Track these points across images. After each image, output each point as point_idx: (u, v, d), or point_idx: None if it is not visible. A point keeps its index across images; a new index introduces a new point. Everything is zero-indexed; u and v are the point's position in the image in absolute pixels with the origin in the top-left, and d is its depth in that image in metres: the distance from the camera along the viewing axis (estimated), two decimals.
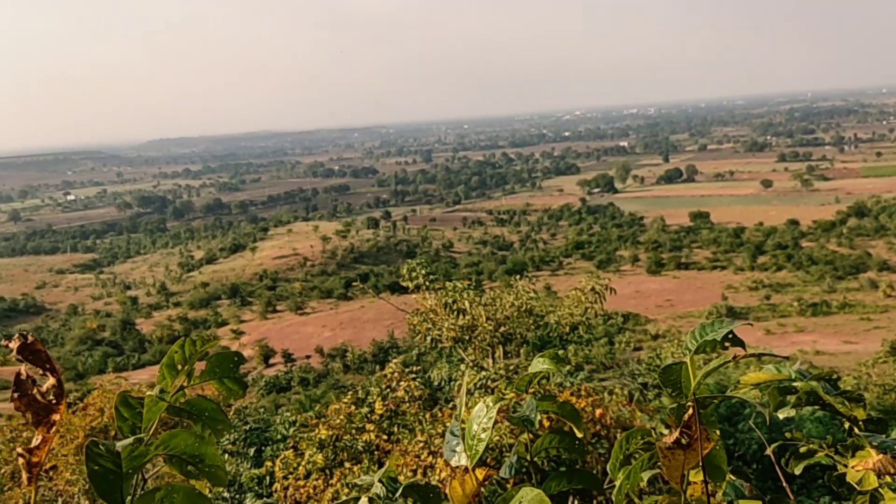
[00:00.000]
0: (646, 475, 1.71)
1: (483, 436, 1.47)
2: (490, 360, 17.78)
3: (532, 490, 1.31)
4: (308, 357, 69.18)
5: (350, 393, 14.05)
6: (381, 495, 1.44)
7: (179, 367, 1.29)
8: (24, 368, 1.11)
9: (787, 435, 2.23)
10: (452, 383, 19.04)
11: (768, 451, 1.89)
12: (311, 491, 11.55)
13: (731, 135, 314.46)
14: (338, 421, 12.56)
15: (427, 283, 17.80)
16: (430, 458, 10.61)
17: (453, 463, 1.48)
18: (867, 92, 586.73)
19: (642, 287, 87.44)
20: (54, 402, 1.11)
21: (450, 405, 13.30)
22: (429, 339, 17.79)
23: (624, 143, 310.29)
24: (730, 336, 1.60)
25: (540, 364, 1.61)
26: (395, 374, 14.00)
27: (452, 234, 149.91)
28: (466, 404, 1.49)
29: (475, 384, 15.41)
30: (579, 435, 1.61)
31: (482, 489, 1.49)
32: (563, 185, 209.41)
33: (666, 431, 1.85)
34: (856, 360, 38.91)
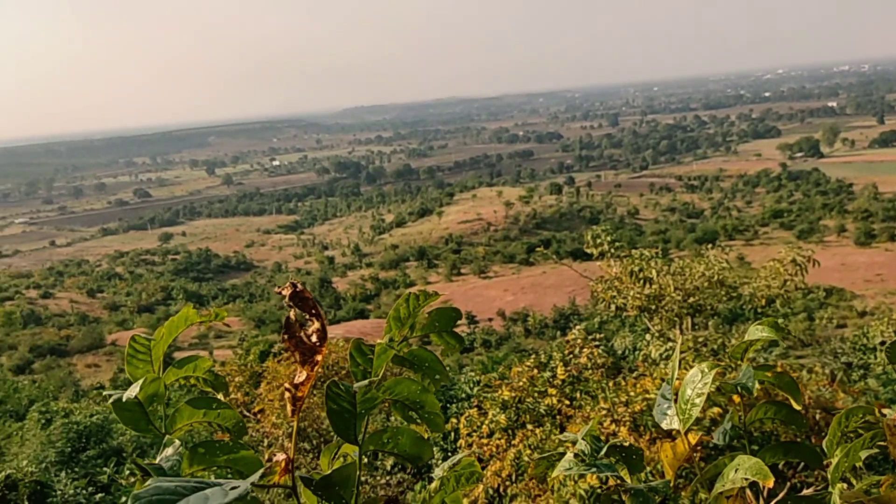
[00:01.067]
0: (864, 454, 1.62)
1: (697, 401, 1.46)
2: (677, 331, 17.24)
3: (749, 458, 1.28)
4: (490, 320, 70.42)
5: (532, 357, 14.19)
6: (586, 452, 1.47)
7: (404, 319, 1.39)
8: (292, 313, 1.24)
9: None
10: (637, 352, 18.67)
11: None
12: (494, 449, 11.86)
13: None
14: (520, 383, 12.74)
15: (612, 251, 17.50)
16: (612, 426, 10.53)
17: (664, 426, 1.48)
18: None
19: (849, 260, 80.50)
20: (318, 343, 1.23)
21: (634, 374, 13.07)
22: (613, 307, 17.52)
23: (832, 104, 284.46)
24: None
25: (758, 332, 1.56)
26: (578, 341, 13.94)
27: (638, 200, 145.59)
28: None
29: (661, 355, 15.04)
30: (797, 407, 1.55)
31: (694, 454, 1.48)
32: (760, 150, 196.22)
33: (888, 410, 1.74)
34: None
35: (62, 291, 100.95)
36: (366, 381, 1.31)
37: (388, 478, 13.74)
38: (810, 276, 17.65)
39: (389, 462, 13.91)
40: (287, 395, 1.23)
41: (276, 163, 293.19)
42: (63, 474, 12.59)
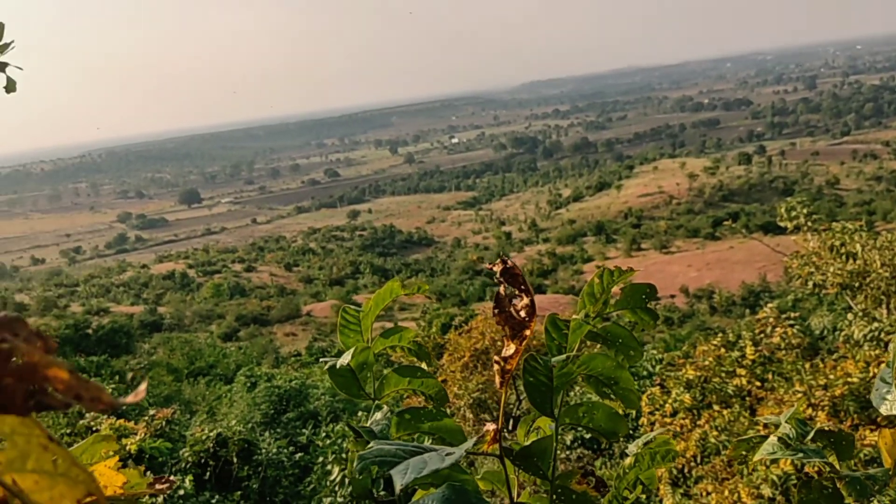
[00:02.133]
0: None
1: None
2: (884, 311, 15.87)
3: None
4: (672, 296, 68.10)
5: (719, 335, 13.61)
6: (791, 436, 1.40)
7: (598, 295, 1.39)
8: (502, 289, 1.28)
9: None
10: (837, 333, 17.37)
11: None
12: (678, 429, 11.55)
13: None
14: (706, 363, 12.30)
15: (809, 224, 16.38)
16: (809, 411, 9.92)
17: (884, 411, 1.38)
18: None
19: None
20: (527, 318, 1.25)
21: (833, 356, 12.20)
22: (810, 284, 16.42)
23: None
24: None
25: None
26: (770, 320, 13.21)
27: (838, 169, 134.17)
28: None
29: (865, 336, 13.90)
30: None
31: None
32: None
33: None
34: None
35: (263, 265, 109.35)
36: (563, 356, 1.34)
37: (567, 452, 13.78)
38: None
39: (569, 437, 13.92)
40: (496, 367, 1.25)
41: (454, 140, 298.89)
42: (266, 434, 13.74)
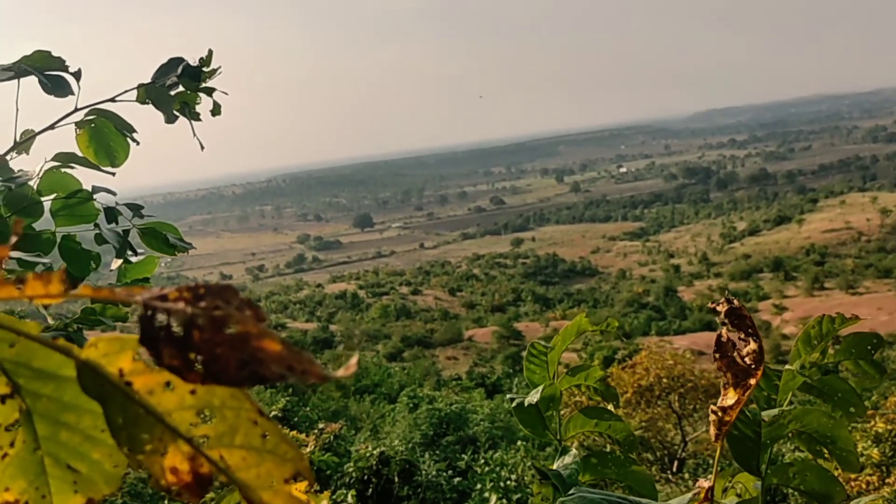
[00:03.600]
0: None
1: None
2: None
3: None
4: None
5: None
6: None
7: (815, 343, 1.27)
8: (724, 331, 1.19)
9: None
10: None
11: None
12: (864, 486, 10.67)
13: None
14: None
15: None
16: None
17: None
18: None
19: None
20: (753, 366, 1.15)
21: None
22: None
23: None
24: None
25: None
26: None
27: None
28: None
29: None
30: None
31: None
32: None
33: None
34: None
35: (428, 289, 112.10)
36: (775, 410, 1.24)
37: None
38: None
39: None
40: (713, 417, 1.16)
41: (622, 170, 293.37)
42: (426, 455, 13.94)
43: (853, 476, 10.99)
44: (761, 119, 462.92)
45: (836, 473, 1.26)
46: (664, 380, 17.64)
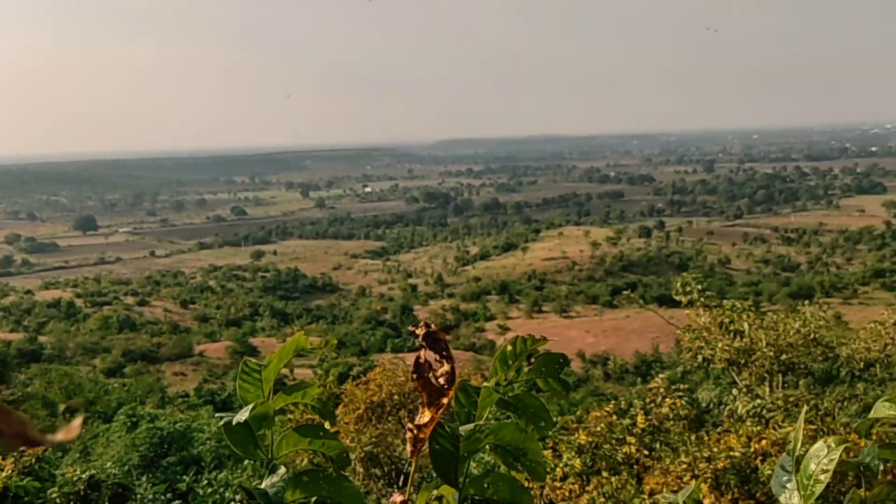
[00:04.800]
0: None
1: (822, 478, 1.37)
2: (766, 388, 16.56)
3: None
4: (569, 361, 69.32)
5: (612, 402, 13.87)
6: None
7: (510, 362, 1.37)
8: (423, 353, 1.24)
9: None
10: (722, 407, 18.02)
11: None
12: (567, 494, 11.60)
13: None
14: (598, 429, 12.46)
15: (701, 300, 17.03)
16: (692, 482, 10.15)
17: (783, 500, 1.40)
18: None
19: None
20: (446, 386, 1.21)
21: (718, 429, 12.62)
22: (699, 357, 17.01)
23: None
24: None
25: (885, 409, 1.46)
26: (661, 390, 13.57)
27: (730, 249, 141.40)
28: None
29: (748, 411, 14.43)
30: None
31: None
32: (864, 206, 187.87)
33: None
34: None
35: (157, 300, 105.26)
36: (471, 425, 1.30)
37: None
38: None
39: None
40: (408, 435, 1.22)
41: (367, 189, 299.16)
42: (144, 478, 12.99)
43: (558, 485, 12.01)
44: (496, 153, 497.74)
45: (527, 483, 1.36)
46: (395, 396, 18.09)
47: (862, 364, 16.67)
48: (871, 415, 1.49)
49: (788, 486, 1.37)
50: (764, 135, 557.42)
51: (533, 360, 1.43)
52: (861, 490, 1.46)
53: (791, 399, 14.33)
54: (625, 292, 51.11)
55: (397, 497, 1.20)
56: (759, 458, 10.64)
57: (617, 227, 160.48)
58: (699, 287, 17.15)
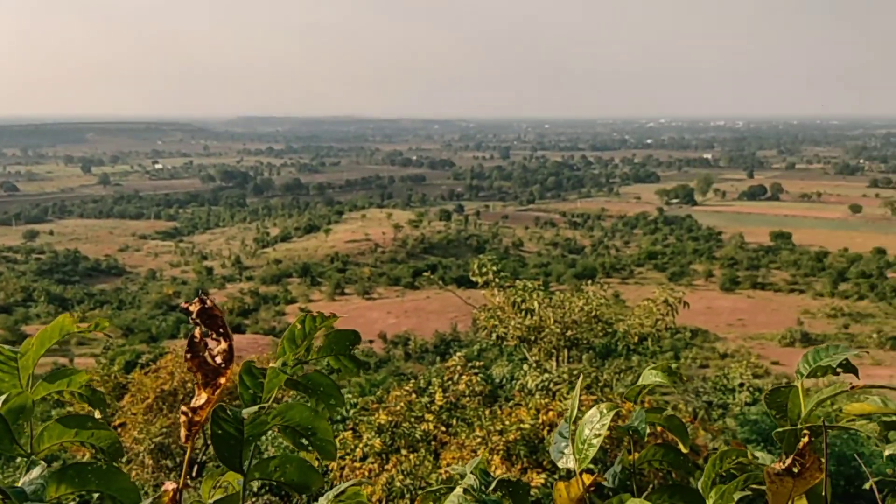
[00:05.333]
0: (737, 496, 1.67)
1: (595, 441, 1.46)
2: (553, 363, 17.66)
3: (638, 500, 1.30)
4: (371, 342, 70.03)
5: (411, 381, 14.17)
6: (475, 487, 1.45)
7: (299, 341, 1.32)
8: (197, 331, 1.18)
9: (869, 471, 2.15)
10: (514, 382, 18.99)
11: (868, 486, 1.83)
12: (367, 473, 11.70)
13: (822, 155, 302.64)
14: (398, 408, 12.67)
15: (496, 280, 17.81)
16: (486, 455, 10.62)
17: (560, 465, 1.48)
18: None
19: (714, 304, 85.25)
20: (223, 365, 1.16)
21: (510, 403, 13.29)
22: (494, 335, 17.80)
23: (707, 156, 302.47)
24: (843, 363, 1.55)
25: (651, 376, 1.59)
26: (458, 368, 14.06)
27: (524, 232, 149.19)
28: (578, 407, 1.49)
29: (537, 385, 15.31)
30: (684, 450, 1.59)
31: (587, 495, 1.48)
32: (640, 193, 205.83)
33: (760, 454, 1.81)
34: None
35: None
36: (255, 407, 1.24)
37: (253, 499, 13.28)
38: (679, 317, 18.55)
39: (257, 484, 13.45)
40: (183, 418, 1.15)
41: (158, 166, 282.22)
42: None
43: (358, 465, 12.08)
44: (298, 132, 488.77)
45: (316, 463, 1.33)
46: (188, 384, 17.29)
47: (636, 338, 18.15)
48: (640, 382, 1.61)
49: (566, 451, 1.46)
50: (554, 125, 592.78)
51: (325, 337, 1.39)
52: (631, 453, 1.58)
53: (575, 372, 15.39)
54: (425, 274, 52.36)
55: (169, 485, 1.13)
56: (547, 428, 11.32)
57: (419, 210, 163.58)
58: (494, 268, 17.90)
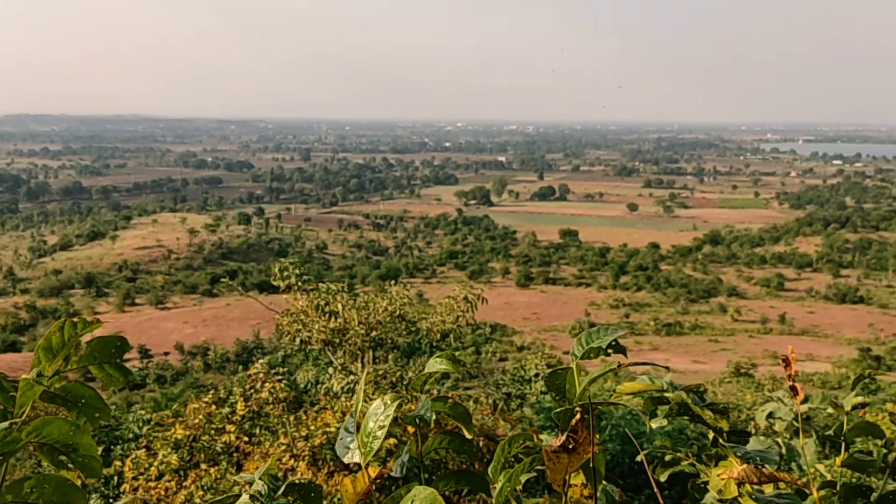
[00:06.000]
0: (524, 478, 1.74)
1: (379, 433, 1.45)
2: (359, 365, 17.68)
3: (425, 489, 1.30)
4: (166, 354, 66.40)
5: (211, 392, 13.59)
6: (263, 493, 1.39)
7: (56, 350, 1.22)
8: None
9: (646, 447, 2.35)
10: (319, 386, 18.83)
11: (640, 458, 1.98)
12: (163, 493, 11.07)
13: (602, 158, 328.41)
14: (196, 421, 12.11)
15: (299, 284, 17.52)
16: (291, 462, 10.42)
17: (346, 460, 1.45)
18: (728, 128, 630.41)
19: (511, 299, 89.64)
20: None
21: (315, 408, 13.13)
22: (298, 340, 17.50)
23: (502, 158, 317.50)
24: (613, 344, 1.66)
25: (437, 364, 1.61)
26: (260, 375, 13.67)
27: (327, 235, 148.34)
28: (364, 400, 1.47)
29: (342, 388, 15.26)
30: (468, 436, 1.63)
31: (374, 487, 1.47)
32: (441, 195, 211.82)
33: (545, 436, 1.90)
34: (703, 379, 41.43)
35: None
36: (5, 424, 1.19)
37: None
38: (479, 313, 19.27)
39: None
40: None
41: None
42: None
43: (153, 484, 11.36)
44: (77, 131, 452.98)
45: (79, 481, 1.20)
46: None
47: (439, 335, 18.58)
48: (426, 371, 1.63)
49: (351, 446, 1.44)
50: (355, 126, 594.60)
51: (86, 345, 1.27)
52: (419, 443, 1.60)
53: (380, 372, 15.52)
54: (224, 280, 50.31)
55: None
56: None
57: (216, 213, 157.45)
58: (297, 272, 17.61)
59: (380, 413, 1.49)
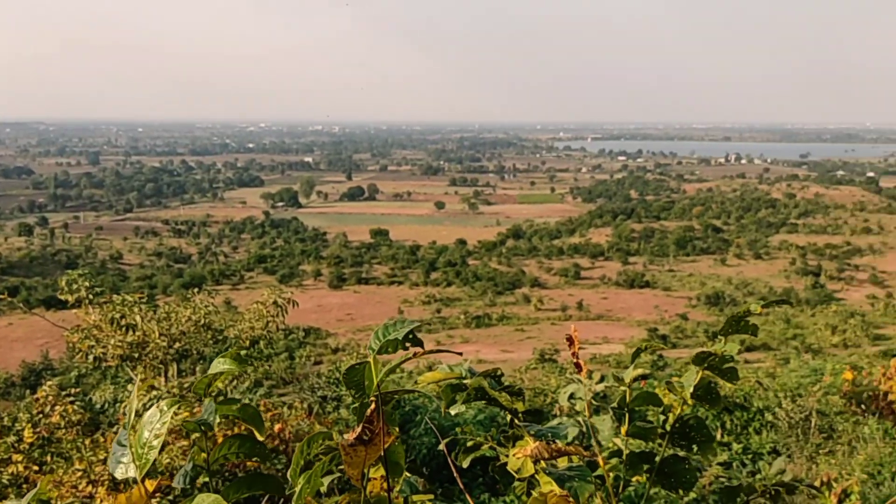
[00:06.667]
0: (326, 480, 1.70)
1: (155, 443, 1.34)
2: (163, 379, 16.76)
3: (209, 496, 1.21)
4: None
5: None
6: None
7: None
8: None
9: (458, 431, 2.40)
10: (118, 405, 17.65)
11: (441, 447, 2.00)
12: None
13: (409, 157, 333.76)
14: None
15: (90, 297, 16.33)
16: (89, 488, 9.69)
17: (119, 475, 1.33)
18: (525, 128, 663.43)
19: (324, 301, 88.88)
20: None
21: (113, 429, 12.30)
22: (91, 357, 16.30)
23: (309, 159, 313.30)
24: (410, 336, 1.66)
25: (221, 365, 1.52)
26: (50, 398, 12.61)
27: (122, 244, 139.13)
28: (137, 413, 1.35)
29: (144, 405, 14.39)
30: (260, 438, 1.56)
31: (153, 501, 1.36)
32: (246, 198, 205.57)
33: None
34: (511, 367, 43.34)
35: None
36: None
37: None
38: (291, 317, 18.91)
39: None
40: None
41: None
42: None
43: None
44: None
45: None
46: None
47: (248, 342, 18.06)
48: (210, 371, 1.54)
49: (124, 459, 1.32)
50: (149, 128, 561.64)
51: None
52: (205, 449, 1.51)
53: (185, 385, 14.78)
54: (2, 297, 45.56)
55: None
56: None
57: None
58: (87, 284, 16.39)
59: (155, 421, 1.38)
